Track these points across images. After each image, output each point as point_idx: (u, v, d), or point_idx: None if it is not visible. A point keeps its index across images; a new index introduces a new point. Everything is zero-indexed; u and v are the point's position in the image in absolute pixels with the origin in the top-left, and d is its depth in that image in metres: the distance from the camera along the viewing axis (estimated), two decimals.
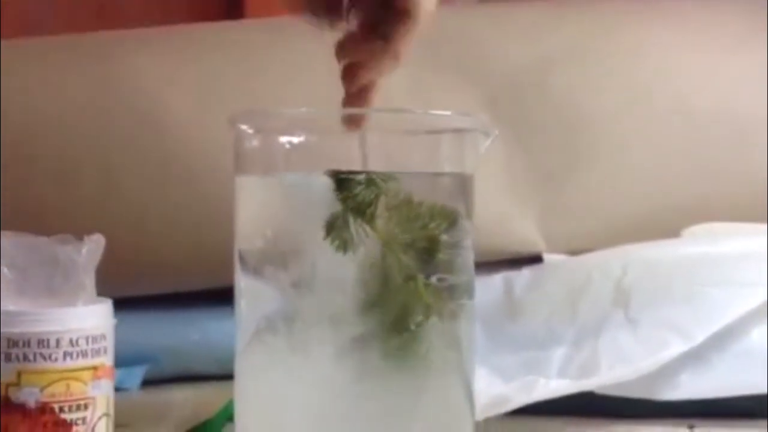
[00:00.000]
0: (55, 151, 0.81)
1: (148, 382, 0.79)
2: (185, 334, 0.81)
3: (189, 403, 0.68)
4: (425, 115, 0.53)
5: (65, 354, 0.51)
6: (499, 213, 0.84)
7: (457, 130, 0.52)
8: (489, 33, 0.88)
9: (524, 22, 0.90)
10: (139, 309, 0.79)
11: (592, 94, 0.86)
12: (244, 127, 0.52)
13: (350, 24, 0.53)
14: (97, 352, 0.52)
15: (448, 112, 0.52)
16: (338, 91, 0.83)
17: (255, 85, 0.82)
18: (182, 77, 0.83)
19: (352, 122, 0.51)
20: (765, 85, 0.86)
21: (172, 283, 0.83)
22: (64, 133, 0.81)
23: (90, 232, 0.55)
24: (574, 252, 0.82)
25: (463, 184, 0.52)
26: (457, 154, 0.52)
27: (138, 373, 0.78)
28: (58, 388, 0.51)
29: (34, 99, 0.82)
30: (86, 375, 0.52)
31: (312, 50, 0.85)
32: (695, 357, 0.67)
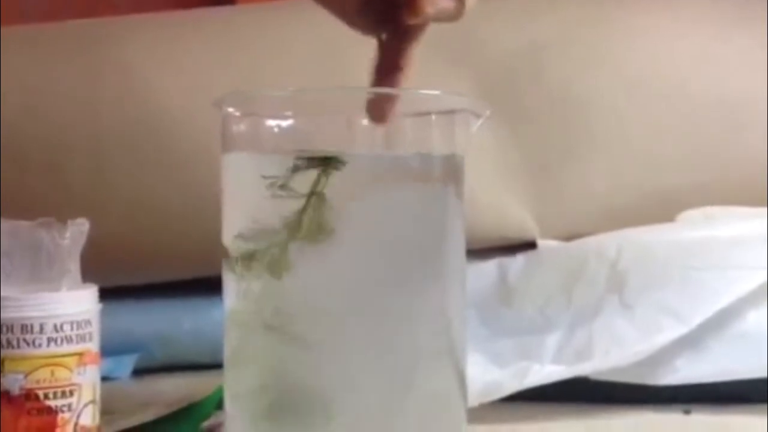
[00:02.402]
0: (44, 138, 0.81)
1: (138, 372, 0.78)
2: (176, 323, 0.81)
3: (180, 392, 0.68)
4: (416, 95, 0.52)
5: (49, 340, 0.51)
6: (493, 199, 0.83)
7: (448, 110, 0.51)
8: (482, 19, 0.87)
9: (517, 8, 0.89)
10: (130, 298, 0.79)
11: (586, 79, 0.86)
12: (230, 109, 0.51)
13: None
14: (82, 338, 0.52)
15: (438, 92, 0.51)
16: (327, 75, 0.82)
17: (246, 71, 0.82)
18: (173, 64, 0.83)
19: (378, 116, 0.50)
20: (759, 69, 0.86)
21: (164, 273, 0.82)
22: (53, 120, 0.81)
23: None
24: (568, 237, 0.81)
25: (454, 165, 0.51)
26: (448, 134, 0.51)
27: (128, 363, 0.78)
28: (43, 375, 0.50)
29: (23, 86, 0.81)
30: (71, 361, 0.51)
31: (302, 35, 0.85)
32: (691, 341, 0.67)
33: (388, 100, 0.51)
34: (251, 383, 0.49)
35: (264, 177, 0.48)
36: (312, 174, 0.48)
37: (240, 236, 0.49)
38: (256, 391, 0.49)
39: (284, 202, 0.48)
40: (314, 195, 0.47)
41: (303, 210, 0.47)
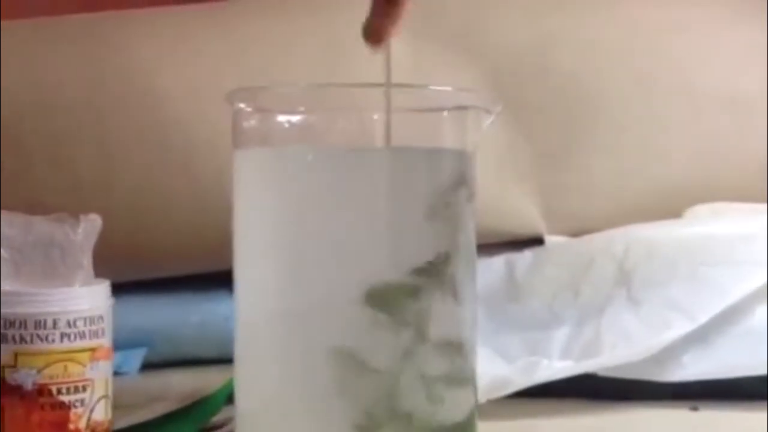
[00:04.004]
0: (51, 133, 0.81)
1: (146, 366, 0.78)
2: (184, 317, 0.81)
3: (188, 387, 0.68)
4: (427, 91, 0.52)
5: (63, 335, 0.51)
6: (500, 194, 0.83)
7: (459, 107, 0.51)
8: (490, 12, 0.88)
9: (525, 3, 0.89)
10: (138, 292, 0.79)
11: (594, 73, 0.86)
12: (242, 105, 0.51)
13: None
14: (95, 334, 0.52)
15: (449, 88, 0.51)
16: (336, 69, 0.82)
17: (252, 64, 0.82)
18: (179, 57, 0.83)
19: (374, 36, 0.50)
20: (765, 64, 0.86)
21: (171, 267, 0.82)
22: (60, 115, 0.81)
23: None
24: (575, 233, 0.81)
25: (465, 161, 0.51)
26: (459, 130, 0.51)
27: (136, 357, 0.78)
28: (56, 370, 0.50)
29: (30, 81, 0.81)
30: (84, 356, 0.51)
31: (310, 29, 0.85)
32: (698, 338, 0.67)
33: (385, 20, 0.50)
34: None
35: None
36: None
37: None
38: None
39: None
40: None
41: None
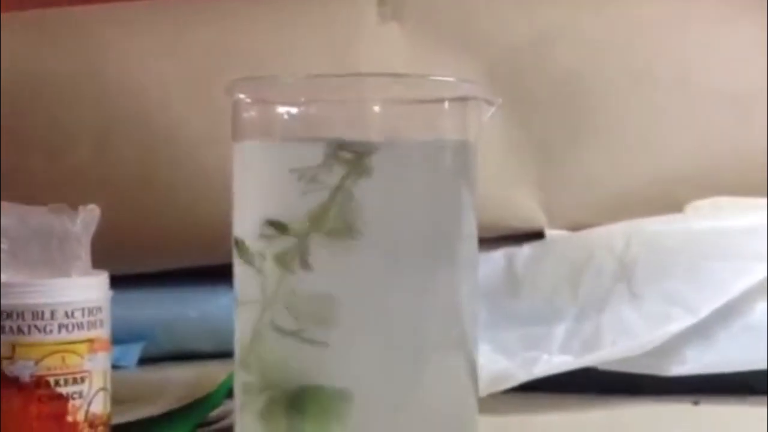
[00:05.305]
0: (49, 125, 0.80)
1: (145, 360, 0.78)
2: (183, 311, 0.81)
3: (187, 381, 0.67)
4: (427, 82, 0.52)
5: (60, 326, 0.50)
6: (500, 189, 0.83)
7: (460, 98, 0.50)
8: (488, 6, 0.87)
9: None
10: (136, 286, 0.78)
11: (593, 68, 0.85)
12: (242, 96, 0.51)
13: None
14: (93, 325, 0.51)
15: (451, 78, 0.51)
16: (330, 60, 0.82)
17: (250, 56, 0.81)
18: (177, 49, 0.83)
19: None
20: (766, 58, 0.86)
21: (170, 260, 0.82)
22: (58, 106, 0.81)
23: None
24: (575, 227, 0.81)
25: (466, 153, 0.51)
26: (460, 122, 0.51)
27: (135, 351, 0.78)
28: (54, 361, 0.50)
29: (27, 71, 0.81)
30: (82, 348, 0.51)
31: (304, 18, 0.85)
32: (699, 332, 0.67)
33: None
34: (260, 378, 0.49)
35: (292, 170, 0.47)
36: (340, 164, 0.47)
37: (264, 230, 0.48)
38: (265, 385, 0.48)
39: (312, 195, 0.47)
40: (343, 187, 0.47)
41: (330, 203, 0.47)
